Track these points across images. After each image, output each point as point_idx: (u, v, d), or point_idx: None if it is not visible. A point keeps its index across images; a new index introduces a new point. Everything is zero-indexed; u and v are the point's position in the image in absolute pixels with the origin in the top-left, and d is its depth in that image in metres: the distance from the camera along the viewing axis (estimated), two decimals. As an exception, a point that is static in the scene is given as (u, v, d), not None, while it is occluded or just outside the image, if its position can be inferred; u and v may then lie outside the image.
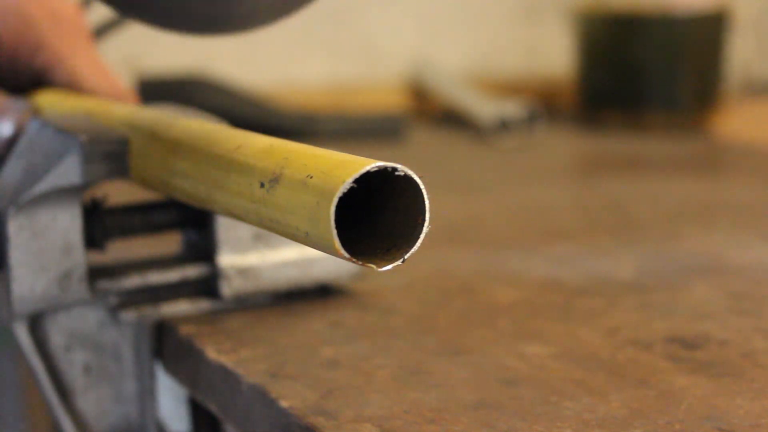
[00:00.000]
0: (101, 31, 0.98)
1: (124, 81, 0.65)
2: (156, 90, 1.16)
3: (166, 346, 0.57)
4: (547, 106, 1.37)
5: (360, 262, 0.37)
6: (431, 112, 1.39)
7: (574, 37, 1.34)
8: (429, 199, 0.37)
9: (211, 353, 0.52)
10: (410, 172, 0.36)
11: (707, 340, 0.54)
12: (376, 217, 0.39)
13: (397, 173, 0.36)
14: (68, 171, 0.53)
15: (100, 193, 0.58)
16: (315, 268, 0.59)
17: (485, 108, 1.25)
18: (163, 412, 0.58)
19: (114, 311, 0.57)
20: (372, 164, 0.36)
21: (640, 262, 0.69)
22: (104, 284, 0.56)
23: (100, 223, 0.56)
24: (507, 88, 1.42)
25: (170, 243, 0.61)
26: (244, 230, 0.57)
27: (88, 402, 0.57)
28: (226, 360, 0.52)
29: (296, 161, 0.39)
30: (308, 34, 1.38)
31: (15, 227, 0.53)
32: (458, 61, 1.47)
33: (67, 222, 0.54)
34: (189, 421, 0.59)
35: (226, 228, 0.57)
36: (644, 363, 0.51)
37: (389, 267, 0.37)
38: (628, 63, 1.29)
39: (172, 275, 0.58)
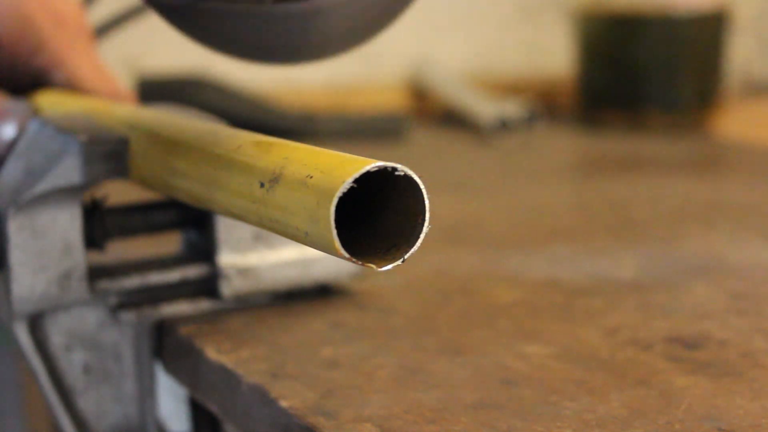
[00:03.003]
0: (101, 31, 0.98)
1: (123, 82, 0.65)
2: (156, 90, 1.16)
3: (166, 346, 0.57)
4: (547, 106, 1.37)
5: (360, 262, 0.37)
6: (431, 112, 1.39)
7: (574, 37, 1.34)
8: (429, 199, 0.37)
9: (211, 353, 0.53)
10: (410, 172, 0.36)
11: (707, 340, 0.54)
12: (376, 217, 0.39)
13: (397, 173, 0.36)
14: (68, 171, 0.53)
15: (100, 193, 0.58)
16: (315, 268, 0.59)
17: (485, 108, 1.25)
18: (163, 412, 0.58)
19: (114, 311, 0.57)
20: (372, 164, 0.36)
21: (640, 262, 0.69)
22: (104, 284, 0.56)
23: (100, 223, 0.56)
24: (507, 88, 1.42)
25: (170, 243, 0.61)
26: (244, 230, 0.57)
27: (88, 402, 0.57)
28: (226, 360, 0.52)
29: (296, 161, 0.39)
30: (308, 34, 1.38)
31: (15, 227, 0.53)
32: (458, 61, 1.47)
33: (67, 222, 0.54)
34: (189, 421, 0.59)
35: (226, 228, 0.57)
36: (644, 363, 0.51)
37: (389, 267, 0.37)
38: (628, 63, 1.29)
39: (172, 275, 0.58)
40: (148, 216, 0.58)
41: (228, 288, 0.58)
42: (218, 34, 0.50)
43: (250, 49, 0.51)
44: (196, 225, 0.59)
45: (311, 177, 0.38)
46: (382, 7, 0.52)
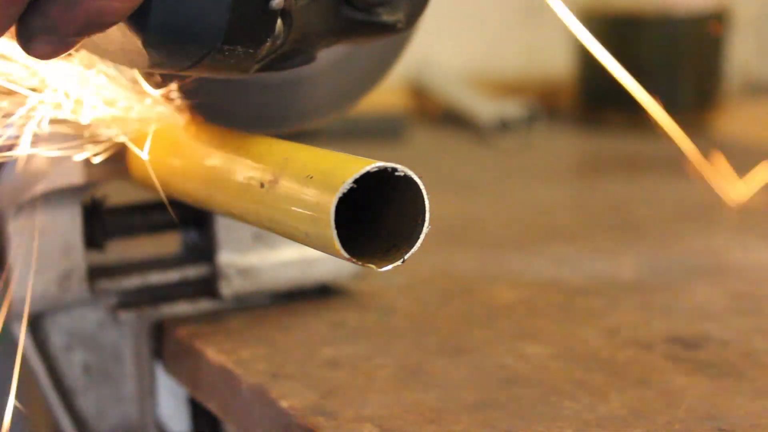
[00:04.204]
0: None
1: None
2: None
3: (166, 346, 0.57)
4: (547, 106, 1.37)
5: (360, 263, 0.37)
6: (431, 112, 1.39)
7: (574, 37, 1.34)
8: (429, 199, 0.37)
9: (211, 353, 0.52)
10: (410, 173, 0.36)
11: (707, 340, 0.54)
12: (376, 217, 0.39)
13: (397, 173, 0.36)
14: (68, 171, 0.53)
15: (100, 193, 0.58)
16: (315, 268, 0.59)
17: (485, 108, 1.25)
18: (163, 412, 0.58)
19: (114, 311, 0.57)
20: (372, 164, 0.36)
21: (640, 262, 0.69)
22: (104, 284, 0.56)
23: (100, 223, 0.56)
24: (507, 88, 1.41)
25: (170, 243, 0.61)
26: (244, 230, 0.57)
27: (88, 402, 0.57)
28: (226, 360, 0.52)
29: (296, 161, 0.39)
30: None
31: (15, 227, 0.53)
32: (458, 61, 1.47)
33: (67, 222, 0.54)
34: (189, 421, 0.59)
35: (226, 228, 0.57)
36: (644, 363, 0.51)
37: (389, 267, 0.37)
38: (628, 63, 1.29)
39: (172, 275, 0.58)
40: (148, 216, 0.58)
41: (228, 288, 0.57)
42: (204, 104, 0.51)
43: (233, 117, 0.52)
44: (196, 225, 0.59)
45: (311, 177, 0.38)
46: (362, 75, 0.54)
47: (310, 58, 0.43)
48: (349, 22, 0.42)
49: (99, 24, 0.36)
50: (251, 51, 0.39)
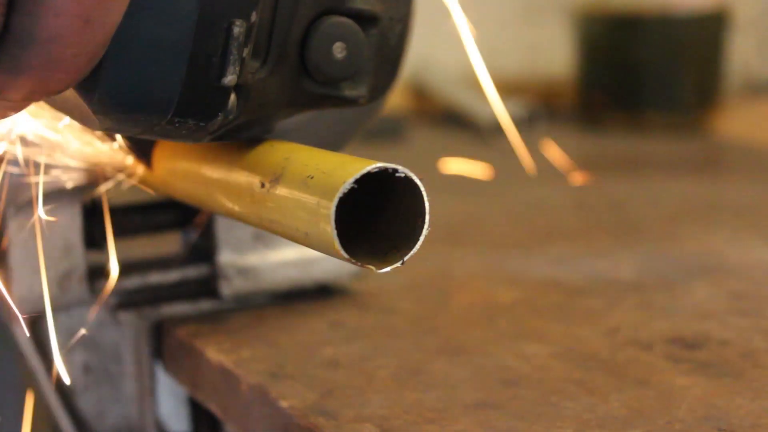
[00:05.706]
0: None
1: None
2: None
3: (166, 346, 0.57)
4: (547, 106, 1.37)
5: (360, 263, 0.37)
6: (431, 112, 1.39)
7: (574, 37, 1.34)
8: (429, 200, 0.37)
9: (211, 353, 0.53)
10: (411, 174, 0.36)
11: (707, 340, 0.54)
12: (376, 218, 0.39)
13: (397, 174, 0.36)
14: (68, 171, 0.53)
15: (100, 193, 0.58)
16: (315, 268, 0.59)
17: (485, 108, 1.25)
18: (163, 412, 0.58)
19: (114, 311, 0.57)
20: (373, 165, 0.36)
21: (640, 262, 0.69)
22: (104, 284, 0.56)
23: (100, 223, 0.56)
24: (507, 88, 1.41)
25: (170, 243, 0.61)
26: (244, 230, 0.57)
27: (88, 402, 0.57)
28: (226, 360, 0.52)
29: (296, 161, 0.39)
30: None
31: (15, 227, 0.53)
32: (458, 62, 1.47)
33: (67, 222, 0.54)
34: (189, 421, 0.59)
35: (226, 228, 0.57)
36: (644, 363, 0.51)
37: (389, 268, 0.37)
38: (628, 63, 1.29)
39: (172, 275, 0.58)
40: (148, 216, 0.58)
41: (228, 288, 0.58)
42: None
43: None
44: (196, 225, 0.59)
45: (312, 177, 0.38)
46: (335, 130, 0.54)
47: (268, 129, 0.43)
48: (309, 95, 0.42)
49: (43, 92, 0.35)
50: (202, 124, 0.39)
